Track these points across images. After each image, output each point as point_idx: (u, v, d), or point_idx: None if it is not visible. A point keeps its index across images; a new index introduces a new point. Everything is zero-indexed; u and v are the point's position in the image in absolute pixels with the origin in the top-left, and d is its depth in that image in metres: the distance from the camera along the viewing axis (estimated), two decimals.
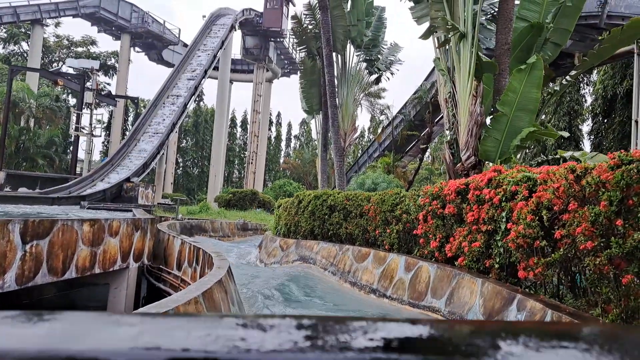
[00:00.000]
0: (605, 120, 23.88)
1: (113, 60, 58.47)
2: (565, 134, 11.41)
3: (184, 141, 68.64)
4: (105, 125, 57.82)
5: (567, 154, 9.14)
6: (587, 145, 25.77)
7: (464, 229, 7.21)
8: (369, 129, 67.01)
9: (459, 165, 10.23)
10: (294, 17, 22.91)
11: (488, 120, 10.03)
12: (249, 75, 52.99)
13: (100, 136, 33.43)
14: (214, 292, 4.96)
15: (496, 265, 6.27)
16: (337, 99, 19.96)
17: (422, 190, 9.14)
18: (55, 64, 54.53)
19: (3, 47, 54.45)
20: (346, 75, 22.26)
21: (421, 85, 26.75)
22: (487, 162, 9.84)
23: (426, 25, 10.69)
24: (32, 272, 8.06)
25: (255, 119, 49.44)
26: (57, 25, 54.66)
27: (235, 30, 44.62)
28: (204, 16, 45.49)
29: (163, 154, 35.83)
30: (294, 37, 24.03)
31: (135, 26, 48.20)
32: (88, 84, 31.97)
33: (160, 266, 12.97)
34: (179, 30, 52.64)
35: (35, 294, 9.90)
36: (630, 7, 17.12)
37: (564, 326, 0.77)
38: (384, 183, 20.60)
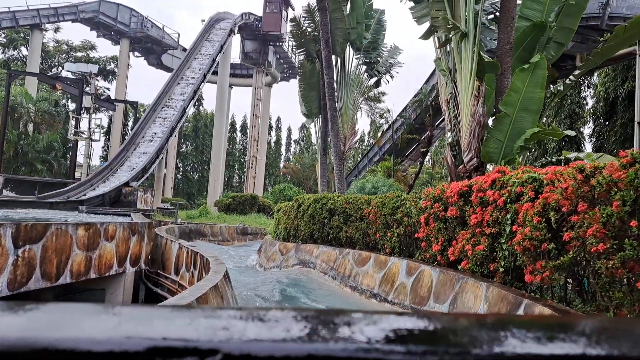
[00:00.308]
0: (607, 123, 23.71)
1: (112, 65, 58.43)
2: (572, 133, 11.26)
3: (184, 146, 68.54)
4: (105, 130, 57.80)
5: (572, 155, 8.96)
6: (588, 147, 25.59)
7: (467, 232, 7.03)
8: (368, 133, 66.95)
9: (461, 167, 10.05)
10: (293, 19, 22.78)
11: (490, 122, 9.86)
12: (248, 80, 52.90)
13: (99, 140, 33.21)
14: (209, 297, 4.77)
15: (501, 269, 6.08)
16: (336, 102, 19.81)
17: (423, 192, 8.96)
18: (54, 69, 54.41)
19: (2, 52, 54.41)
20: (346, 79, 22.11)
21: (421, 89, 26.61)
22: (489, 163, 9.66)
23: (427, 25, 10.52)
24: (25, 278, 7.87)
25: (254, 123, 49.29)
26: (56, 30, 54.66)
27: (235, 35, 44.54)
28: (202, 20, 45.50)
29: (162, 158, 35.65)
30: (293, 40, 23.88)
31: (135, 31, 48.15)
32: (88, 89, 31.86)
33: (158, 271, 12.79)
34: (178, 34, 52.57)
35: (33, 300, 9.72)
36: (632, 8, 16.98)
37: (556, 319, 0.81)
38: (384, 187, 20.44)
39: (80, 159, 34.72)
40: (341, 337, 0.51)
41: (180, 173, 68.89)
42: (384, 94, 29.39)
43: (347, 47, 22.00)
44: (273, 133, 72.69)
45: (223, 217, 32.84)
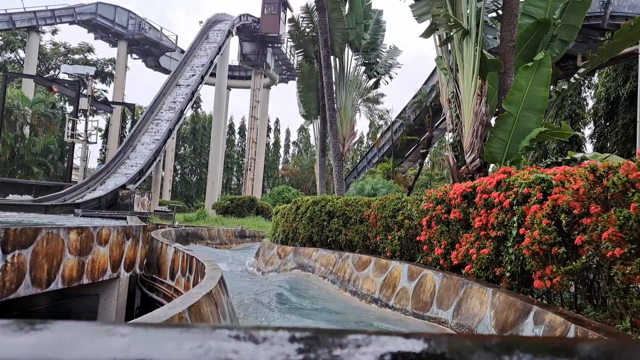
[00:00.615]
0: (608, 123, 23.51)
1: (110, 68, 58.21)
2: (579, 133, 11.05)
3: (182, 148, 68.33)
4: (103, 132, 57.52)
5: (578, 156, 8.72)
6: (589, 148, 25.38)
7: (471, 235, 6.79)
8: (367, 134, 66.77)
9: (463, 168, 9.80)
10: (291, 20, 22.55)
11: (492, 121, 9.62)
12: (246, 82, 52.71)
13: (96, 143, 32.90)
14: (202, 306, 4.53)
15: (507, 274, 5.84)
16: (335, 98, 19.58)
17: (425, 194, 8.72)
18: (52, 71, 54.19)
19: None
20: (344, 79, 21.90)
21: (420, 89, 26.39)
22: (492, 164, 9.42)
23: (427, 23, 10.29)
24: (14, 284, 7.62)
25: (253, 125, 49.06)
26: (54, 32, 54.43)
27: (233, 36, 44.33)
28: (200, 22, 45.29)
29: (160, 160, 35.42)
30: (291, 40, 23.65)
31: (132, 33, 47.97)
32: (85, 91, 31.59)
33: (154, 275, 12.52)
34: (176, 36, 52.47)
35: (28, 305, 9.47)
36: (634, 7, 16.78)
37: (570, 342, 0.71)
38: (384, 189, 20.22)
39: (77, 161, 34.47)
40: None
41: (179, 176, 68.67)
42: (382, 95, 29.22)
43: (346, 48, 21.79)
44: (272, 135, 72.52)
45: (221, 220, 32.60)
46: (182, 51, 48.33)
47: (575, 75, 9.64)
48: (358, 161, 36.96)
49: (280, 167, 72.74)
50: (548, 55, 8.65)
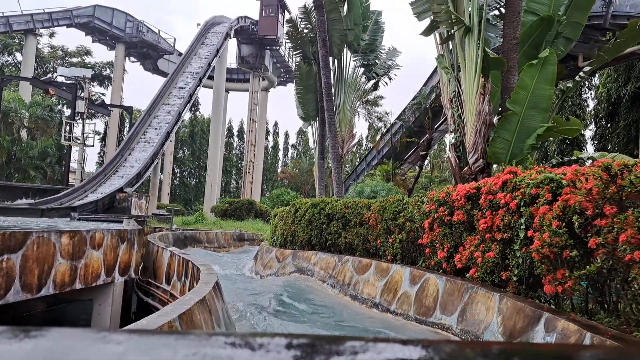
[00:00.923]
0: (609, 124, 23.28)
1: (108, 71, 58.01)
2: (590, 129, 10.79)
3: (181, 151, 68.08)
4: (101, 136, 57.23)
5: (584, 155, 8.49)
6: (590, 150, 25.14)
7: (476, 238, 6.56)
8: (366, 137, 66.60)
9: (465, 169, 9.56)
10: (289, 20, 22.33)
11: (495, 121, 9.37)
12: (245, 85, 52.49)
13: (93, 146, 32.64)
14: (195, 313, 4.28)
15: (514, 278, 5.60)
16: (333, 100, 19.34)
17: (426, 196, 8.48)
18: (49, 75, 53.94)
19: None
20: (343, 81, 21.67)
21: (420, 91, 26.15)
22: (496, 165, 9.18)
23: (427, 22, 10.07)
24: (3, 289, 7.37)
25: (251, 128, 48.81)
26: (51, 35, 54.26)
27: (231, 38, 44.12)
28: (198, 24, 45.08)
29: (157, 163, 35.13)
30: (289, 41, 23.41)
31: (130, 35, 47.74)
32: (82, 95, 31.33)
33: (150, 280, 12.28)
34: (174, 39, 52.15)
35: (23, 310, 9.22)
36: (636, 6, 16.58)
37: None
38: (383, 191, 19.98)
39: (74, 164, 34.18)
40: None
41: (177, 179, 68.41)
42: (381, 97, 29.03)
43: (345, 49, 21.57)
44: (270, 138, 72.33)
45: (219, 223, 32.36)
46: (180, 54, 48.09)
47: (580, 74, 9.41)
48: (357, 164, 36.70)
49: (279, 170, 72.51)
50: (553, 53, 8.43)
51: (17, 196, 28.47)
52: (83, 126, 30.54)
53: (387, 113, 28.66)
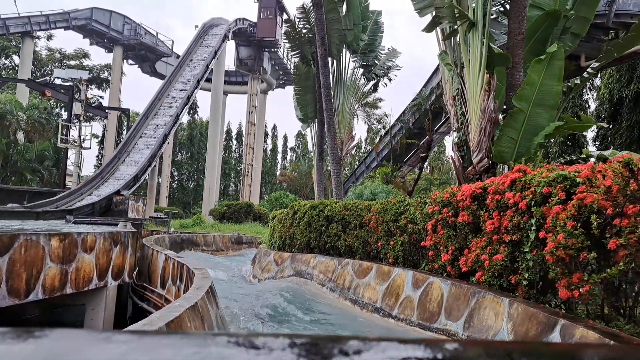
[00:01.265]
0: (611, 125, 22.99)
1: (106, 74, 57.72)
2: (604, 124, 10.46)
3: (179, 154, 67.83)
4: (100, 139, 56.91)
5: (594, 153, 8.19)
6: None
7: (482, 240, 6.26)
8: (365, 139, 66.39)
9: (469, 169, 9.27)
10: (287, 20, 22.07)
11: (500, 118, 9.07)
12: (243, 87, 52.22)
13: (90, 148, 32.30)
14: (184, 321, 3.98)
15: (524, 282, 5.31)
16: (332, 102, 19.04)
17: (429, 197, 8.19)
18: (47, 78, 53.66)
19: None
20: (342, 82, 21.38)
21: (420, 92, 25.88)
22: (501, 164, 8.88)
23: (429, 18, 9.78)
24: None
25: (250, 130, 48.53)
26: (49, 38, 53.96)
27: (229, 40, 43.86)
28: (196, 26, 44.84)
29: (155, 166, 34.83)
30: (287, 41, 23.11)
31: (128, 38, 47.50)
32: (79, 96, 31.03)
33: (144, 284, 11.98)
34: (172, 42, 51.90)
35: (10, 316, 8.91)
36: (639, 4, 16.32)
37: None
38: (383, 193, 19.71)
39: (71, 167, 33.88)
40: None
41: (176, 182, 68.14)
42: (380, 100, 28.77)
43: (344, 49, 21.30)
44: (269, 141, 72.11)
45: (217, 226, 32.05)
46: (179, 56, 47.85)
47: (589, 70, 9.13)
48: (356, 166, 36.39)
49: (278, 173, 72.26)
50: (561, 48, 8.14)
51: (13, 199, 28.16)
52: (80, 128, 30.22)
53: (386, 115, 28.38)
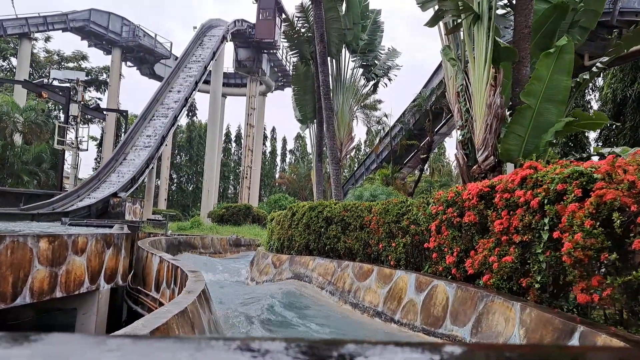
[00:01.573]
0: (614, 126, 22.69)
1: (105, 76, 57.39)
2: (617, 122, 10.16)
3: (178, 157, 67.53)
4: (98, 141, 56.57)
5: (606, 150, 7.88)
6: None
7: (490, 241, 5.95)
8: (365, 142, 66.12)
9: (474, 167, 8.94)
10: (286, 19, 21.79)
11: (507, 115, 8.75)
12: (242, 89, 51.95)
13: (87, 150, 31.93)
14: (172, 328, 3.66)
15: (536, 285, 4.99)
16: (332, 101, 18.71)
17: (433, 196, 7.87)
18: (45, 80, 53.33)
19: None
20: (341, 82, 21.08)
21: (420, 93, 25.60)
22: (508, 162, 8.56)
23: (431, 12, 9.48)
24: None
25: (249, 132, 48.23)
26: (47, 40, 53.63)
27: (227, 41, 43.58)
28: (194, 27, 44.62)
29: (153, 167, 34.51)
30: (286, 40, 22.79)
31: (126, 40, 47.23)
32: (76, 97, 30.67)
33: (139, 287, 11.66)
34: (171, 43, 51.59)
35: (11, 317, 8.60)
36: None
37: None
38: (383, 195, 19.41)
39: (68, 169, 33.55)
40: None
41: (175, 185, 67.83)
42: (380, 102, 28.47)
43: (343, 49, 21.00)
44: (268, 143, 71.88)
45: (216, 228, 31.73)
46: (177, 58, 47.60)
47: (598, 64, 8.82)
48: (355, 168, 36.08)
49: (277, 175, 71.97)
50: (571, 41, 7.82)
51: (10, 201, 27.79)
52: (76, 130, 29.88)
53: (386, 115, 28.08)
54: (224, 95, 51.53)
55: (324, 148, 20.23)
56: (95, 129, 59.61)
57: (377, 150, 30.65)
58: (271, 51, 47.95)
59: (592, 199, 4.08)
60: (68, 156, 32.54)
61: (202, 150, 63.10)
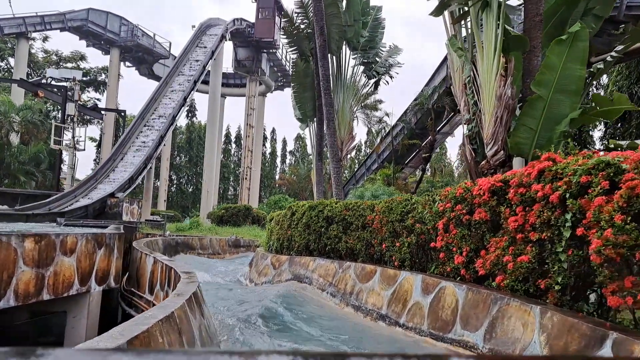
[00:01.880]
0: (620, 124, 22.28)
1: (103, 76, 57.01)
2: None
3: (178, 158, 67.16)
4: (98, 142, 56.14)
5: (624, 143, 7.47)
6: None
7: (503, 239, 5.54)
8: (365, 142, 65.75)
9: (483, 162, 8.53)
10: (286, 15, 21.41)
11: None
12: (242, 90, 51.56)
13: (84, 150, 31.48)
14: (155, 336, 3.25)
15: (556, 287, 4.58)
16: (332, 97, 18.29)
17: (440, 193, 7.46)
18: (43, 80, 52.95)
19: None
20: (342, 80, 20.68)
21: (422, 91, 25.17)
22: (518, 157, 8.13)
23: (436, 1, 9.07)
24: None
25: (248, 133, 47.81)
26: (45, 39, 53.25)
27: (226, 40, 43.19)
28: (193, 26, 44.23)
29: (151, 168, 34.09)
30: (285, 37, 22.39)
31: (125, 39, 46.86)
32: (74, 97, 30.26)
33: (133, 289, 11.26)
34: (170, 43, 51.23)
35: (6, 320, 8.20)
36: None
37: None
38: (385, 195, 19.02)
39: (65, 169, 33.10)
40: None
41: (174, 185, 67.45)
42: (380, 102, 28.07)
43: (344, 46, 20.60)
44: (268, 145, 71.54)
45: (215, 229, 31.31)
46: (176, 58, 47.22)
47: (612, 54, 8.42)
48: (356, 169, 35.66)
49: (277, 177, 71.61)
50: (585, 27, 7.40)
51: (6, 201, 27.41)
52: (73, 130, 29.46)
53: (387, 114, 27.68)
54: (224, 96, 51.15)
55: (325, 147, 19.84)
56: (94, 130, 59.24)
57: (378, 149, 30.23)
58: (271, 51, 47.57)
59: (623, 191, 3.68)
60: (65, 156, 32.14)
61: (201, 151, 62.73)
